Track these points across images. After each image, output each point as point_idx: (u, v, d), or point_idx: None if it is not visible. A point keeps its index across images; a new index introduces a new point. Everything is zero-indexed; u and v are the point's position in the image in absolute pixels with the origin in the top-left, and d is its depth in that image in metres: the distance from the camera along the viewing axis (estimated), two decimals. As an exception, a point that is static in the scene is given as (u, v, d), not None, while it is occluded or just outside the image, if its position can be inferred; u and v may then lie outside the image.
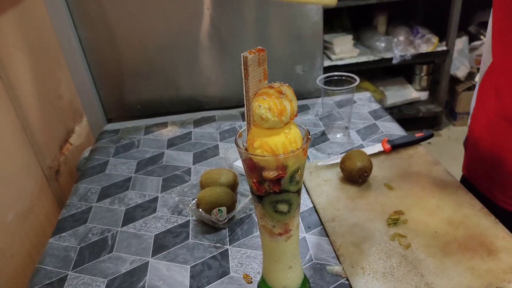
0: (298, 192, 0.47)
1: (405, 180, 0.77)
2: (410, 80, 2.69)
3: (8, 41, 0.86)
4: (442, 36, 2.40)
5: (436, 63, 2.54)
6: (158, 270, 0.64)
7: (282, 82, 0.44)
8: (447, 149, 2.42)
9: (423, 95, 2.65)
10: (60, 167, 1.00)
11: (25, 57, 0.92)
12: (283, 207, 0.47)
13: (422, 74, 2.61)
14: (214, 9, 1.08)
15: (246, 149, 0.45)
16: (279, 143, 0.42)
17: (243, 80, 0.44)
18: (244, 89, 0.44)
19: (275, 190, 0.45)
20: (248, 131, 0.46)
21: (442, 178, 0.77)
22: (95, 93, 1.16)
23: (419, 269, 0.59)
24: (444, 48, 2.38)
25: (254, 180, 0.46)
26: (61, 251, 0.71)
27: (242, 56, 0.42)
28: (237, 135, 0.47)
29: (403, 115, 2.52)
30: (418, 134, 0.87)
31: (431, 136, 0.87)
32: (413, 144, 0.87)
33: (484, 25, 2.72)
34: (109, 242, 0.71)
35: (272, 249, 0.51)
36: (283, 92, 0.42)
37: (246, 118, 0.47)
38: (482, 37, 2.69)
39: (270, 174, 0.44)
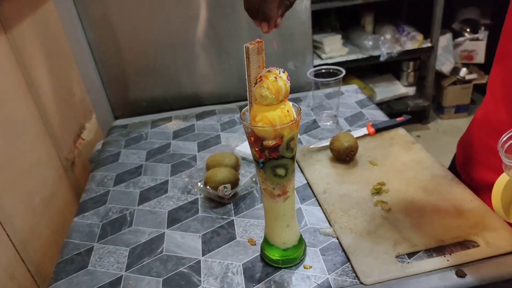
0: (293, 158, 0.57)
1: (387, 158, 0.87)
2: (397, 76, 2.80)
3: (28, 44, 0.95)
4: (427, 33, 2.51)
5: (421, 59, 2.65)
6: (174, 238, 0.74)
7: (278, 68, 0.53)
8: (436, 141, 2.54)
9: (411, 91, 2.76)
10: (75, 159, 1.09)
11: (42, 58, 1.01)
12: (281, 171, 0.56)
13: (409, 70, 2.72)
14: (211, 11, 1.18)
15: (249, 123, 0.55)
16: (276, 116, 0.52)
17: (245, 67, 0.54)
18: (246, 73, 0.54)
19: (274, 156, 0.55)
20: (250, 109, 0.56)
21: (419, 155, 0.87)
22: (103, 92, 1.26)
23: (398, 227, 0.69)
24: (429, 44, 2.49)
25: (257, 149, 0.55)
26: (86, 227, 0.80)
27: (244, 47, 0.52)
28: (241, 113, 0.57)
29: (393, 110, 2.63)
30: (399, 118, 0.98)
31: (409, 120, 0.97)
32: (394, 127, 0.97)
33: (467, 22, 2.85)
34: (128, 218, 0.81)
35: (273, 209, 0.61)
36: (279, 75, 0.52)
37: (248, 98, 0.56)
38: (465, 33, 2.81)
39: (270, 142, 0.54)
